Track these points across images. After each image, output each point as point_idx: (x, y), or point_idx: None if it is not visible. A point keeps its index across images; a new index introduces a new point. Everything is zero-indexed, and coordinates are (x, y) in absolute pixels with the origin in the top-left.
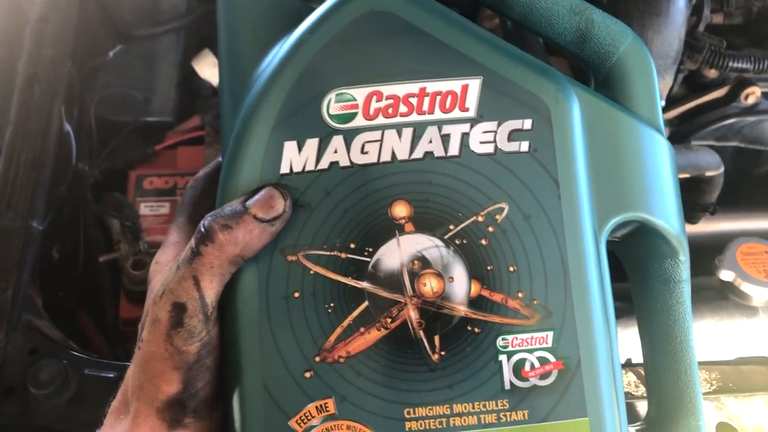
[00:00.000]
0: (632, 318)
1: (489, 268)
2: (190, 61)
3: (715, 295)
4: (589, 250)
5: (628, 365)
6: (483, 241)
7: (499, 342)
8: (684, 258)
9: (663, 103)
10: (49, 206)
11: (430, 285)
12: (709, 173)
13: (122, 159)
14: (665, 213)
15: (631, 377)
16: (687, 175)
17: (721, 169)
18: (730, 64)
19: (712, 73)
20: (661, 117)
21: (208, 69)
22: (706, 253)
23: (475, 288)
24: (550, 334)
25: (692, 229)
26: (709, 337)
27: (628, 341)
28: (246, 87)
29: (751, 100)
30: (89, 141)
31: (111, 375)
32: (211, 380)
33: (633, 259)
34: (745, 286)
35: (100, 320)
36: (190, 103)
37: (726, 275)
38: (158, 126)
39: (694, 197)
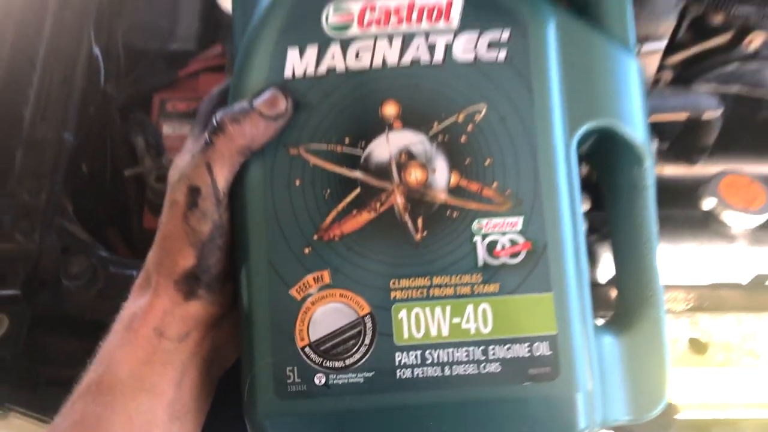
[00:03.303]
0: None
1: (468, 161)
2: None
3: (697, 224)
4: (558, 148)
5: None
6: (463, 138)
7: (475, 225)
8: (648, 165)
9: (663, 46)
10: (80, 125)
11: (415, 174)
12: (707, 114)
13: (147, 84)
14: (632, 123)
15: None
16: (686, 115)
17: (719, 111)
18: (735, 8)
19: (718, 19)
20: (632, 36)
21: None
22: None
23: (455, 178)
24: (520, 219)
25: (690, 171)
26: (690, 261)
27: None
28: (254, 8)
29: (753, 46)
30: (116, 65)
31: (133, 272)
32: (222, 259)
33: (604, 169)
34: (725, 215)
35: (127, 234)
36: (213, 32)
37: (708, 204)
38: (181, 53)
39: (692, 139)
